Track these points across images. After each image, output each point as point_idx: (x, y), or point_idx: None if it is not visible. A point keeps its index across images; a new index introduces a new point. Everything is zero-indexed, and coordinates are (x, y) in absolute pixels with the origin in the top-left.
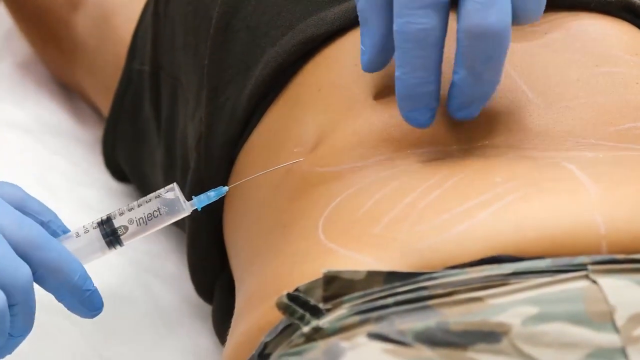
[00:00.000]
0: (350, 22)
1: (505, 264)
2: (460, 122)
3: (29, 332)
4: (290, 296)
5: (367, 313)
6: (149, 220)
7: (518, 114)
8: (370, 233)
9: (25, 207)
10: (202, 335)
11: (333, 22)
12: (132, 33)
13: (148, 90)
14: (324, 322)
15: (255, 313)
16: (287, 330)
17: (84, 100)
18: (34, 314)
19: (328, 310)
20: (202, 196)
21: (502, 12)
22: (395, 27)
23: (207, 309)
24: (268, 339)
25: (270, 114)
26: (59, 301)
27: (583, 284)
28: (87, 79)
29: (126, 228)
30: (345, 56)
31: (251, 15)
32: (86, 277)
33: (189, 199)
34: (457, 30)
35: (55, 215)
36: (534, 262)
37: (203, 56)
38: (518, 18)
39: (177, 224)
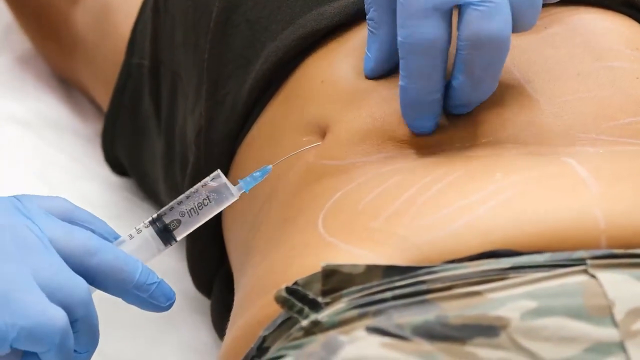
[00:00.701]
0: (350, 17)
1: (504, 259)
2: (462, 119)
3: (96, 346)
4: (289, 290)
5: (366, 307)
6: (199, 209)
7: (519, 109)
8: (369, 227)
9: (74, 217)
10: (201, 329)
11: (333, 17)
12: (131, 28)
13: (147, 85)
14: (323, 315)
15: (254, 307)
16: (285, 324)
17: (83, 95)
18: (97, 326)
19: (327, 304)
20: (247, 178)
21: (503, 21)
22: (399, 38)
23: (207, 303)
24: (267, 333)
25: (271, 108)
26: (129, 303)
27: (582, 278)
28: (87, 74)
29: (179, 222)
30: (346, 50)
31: (251, 10)
32: (148, 272)
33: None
34: (458, 38)
35: (105, 223)
36: (532, 257)
37: (203, 51)
38: (515, 27)
39: None
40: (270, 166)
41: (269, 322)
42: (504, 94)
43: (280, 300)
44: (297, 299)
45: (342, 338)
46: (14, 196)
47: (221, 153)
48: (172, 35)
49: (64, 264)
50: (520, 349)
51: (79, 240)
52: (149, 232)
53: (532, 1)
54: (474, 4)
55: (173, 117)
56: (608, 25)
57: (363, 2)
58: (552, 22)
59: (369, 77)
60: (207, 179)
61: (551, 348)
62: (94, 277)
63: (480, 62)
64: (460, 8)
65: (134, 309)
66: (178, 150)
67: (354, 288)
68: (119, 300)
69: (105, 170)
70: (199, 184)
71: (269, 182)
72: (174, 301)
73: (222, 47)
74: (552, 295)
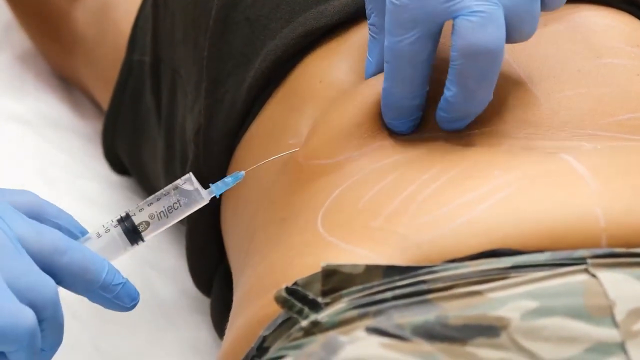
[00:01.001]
0: (349, 16)
1: (504, 258)
2: None
3: (59, 344)
4: (289, 290)
5: (366, 307)
6: (169, 213)
7: (516, 102)
8: (369, 226)
9: (42, 212)
10: (201, 328)
11: (333, 16)
12: (131, 25)
13: (149, 81)
14: (323, 316)
15: (254, 306)
16: (285, 324)
17: (83, 94)
18: (63, 325)
19: (327, 304)
20: (219, 183)
21: (496, 31)
22: (386, 43)
23: (206, 302)
24: (266, 333)
25: (270, 106)
26: (94, 302)
27: (582, 277)
28: (87, 72)
29: (147, 224)
30: (346, 50)
31: (251, 8)
32: (114, 272)
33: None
34: (451, 49)
35: (72, 217)
36: (533, 256)
37: (202, 48)
38: (512, 38)
39: None
40: (243, 172)
41: (269, 321)
42: (503, 87)
43: (280, 300)
44: (297, 299)
45: (342, 338)
46: None
47: (220, 151)
48: (172, 32)
49: (33, 263)
50: (520, 349)
51: (49, 239)
52: (117, 231)
53: (530, 10)
54: (465, 15)
55: (173, 115)
56: (608, 22)
57: (363, 1)
58: (552, 19)
59: None
60: (179, 181)
61: (551, 348)
62: (62, 277)
63: (473, 74)
64: (453, 19)
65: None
66: (178, 147)
67: (354, 288)
68: None
69: (105, 169)
70: (169, 186)
71: (265, 183)
72: (137, 302)
73: (221, 44)
74: (552, 295)
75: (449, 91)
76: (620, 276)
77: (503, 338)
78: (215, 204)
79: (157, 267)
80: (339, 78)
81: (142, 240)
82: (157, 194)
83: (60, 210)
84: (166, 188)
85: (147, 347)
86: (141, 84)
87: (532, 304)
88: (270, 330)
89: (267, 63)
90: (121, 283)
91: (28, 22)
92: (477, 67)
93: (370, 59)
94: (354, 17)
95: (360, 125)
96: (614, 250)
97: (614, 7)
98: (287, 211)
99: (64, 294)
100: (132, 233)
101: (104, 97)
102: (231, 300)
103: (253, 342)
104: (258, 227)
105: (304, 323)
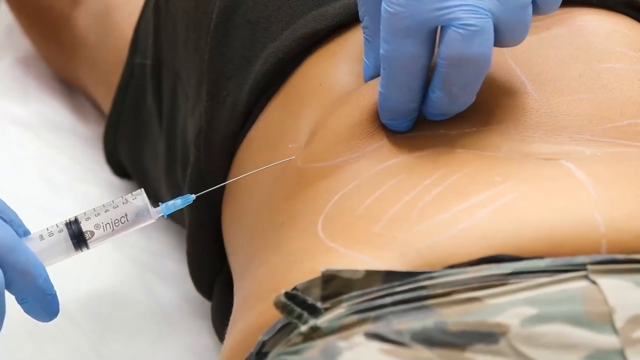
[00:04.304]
0: (350, 18)
1: (504, 264)
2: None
3: None
4: (288, 295)
5: (365, 312)
6: (115, 226)
7: (514, 105)
8: (370, 232)
9: None
10: (201, 333)
11: (333, 18)
12: (133, 28)
13: (150, 84)
14: (322, 321)
15: (253, 311)
16: (285, 329)
17: (85, 97)
18: (2, 320)
19: (326, 310)
20: (169, 203)
21: (484, 43)
22: (381, 51)
23: (207, 307)
24: (266, 338)
25: (271, 109)
26: (21, 304)
27: (582, 284)
28: (88, 75)
29: (92, 233)
30: (346, 51)
31: (252, 10)
32: (49, 281)
33: (189, 192)
34: (438, 56)
35: (16, 215)
36: (533, 262)
37: (204, 51)
38: (503, 43)
39: (177, 220)
40: (194, 196)
41: (268, 327)
42: (502, 90)
43: (280, 306)
44: (297, 304)
45: (341, 344)
46: None
47: (221, 153)
48: (174, 35)
49: None
50: (520, 355)
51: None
52: (63, 236)
53: (520, 17)
54: (455, 26)
55: (174, 118)
56: (610, 26)
57: None
58: (554, 23)
59: None
60: (129, 196)
61: (551, 355)
62: (4, 274)
63: (458, 81)
64: (442, 27)
65: (135, 312)
66: (179, 150)
67: (353, 293)
68: (119, 302)
69: (106, 172)
70: (120, 199)
71: (265, 187)
72: (55, 317)
73: (222, 47)
74: (552, 301)
75: (434, 94)
76: (620, 282)
77: (502, 344)
78: (217, 209)
79: (157, 272)
80: (339, 80)
81: (87, 247)
82: (107, 203)
83: (6, 206)
84: (117, 200)
85: (147, 352)
86: (143, 88)
87: (531, 311)
88: (270, 335)
89: (268, 65)
90: (52, 294)
91: (30, 26)
92: (462, 76)
93: (367, 62)
94: (355, 18)
95: (358, 126)
96: (614, 257)
97: (616, 12)
98: (287, 216)
99: (62, 301)
100: (78, 238)
101: (106, 101)
102: (232, 305)
103: (252, 347)
104: (258, 231)
105: (303, 328)
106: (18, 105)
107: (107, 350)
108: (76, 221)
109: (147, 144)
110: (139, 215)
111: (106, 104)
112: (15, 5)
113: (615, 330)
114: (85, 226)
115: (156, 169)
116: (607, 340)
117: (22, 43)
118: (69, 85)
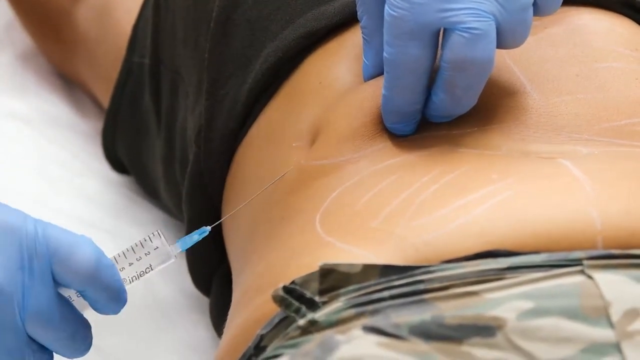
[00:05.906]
0: (350, 17)
1: (501, 259)
2: None
3: None
4: (286, 289)
5: (363, 306)
6: (141, 276)
7: (515, 104)
8: (368, 227)
9: None
10: (199, 327)
11: (333, 17)
12: (132, 25)
13: (148, 83)
14: (320, 315)
15: (252, 305)
16: (283, 323)
17: (84, 92)
18: None
19: (324, 303)
20: (186, 238)
21: (487, 47)
22: (385, 54)
23: (205, 301)
24: (264, 332)
25: (270, 108)
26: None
27: (578, 279)
28: (88, 71)
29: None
30: (346, 50)
31: (251, 9)
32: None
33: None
34: (441, 59)
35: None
36: (529, 257)
37: (203, 50)
38: (505, 45)
39: (175, 215)
40: (209, 227)
41: (266, 320)
42: (501, 89)
43: (278, 299)
44: (294, 298)
45: (339, 337)
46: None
47: (221, 152)
48: (173, 33)
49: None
50: (516, 349)
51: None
52: None
53: (522, 19)
54: (459, 30)
55: (173, 116)
56: (608, 26)
57: None
58: (552, 22)
59: None
60: (151, 246)
61: (547, 348)
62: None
63: (461, 84)
64: (445, 30)
65: (133, 307)
66: (178, 149)
67: (351, 287)
68: None
69: (105, 168)
70: (141, 251)
71: (266, 183)
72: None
73: (222, 46)
74: (548, 295)
75: (436, 96)
76: (616, 277)
77: (499, 338)
78: (216, 204)
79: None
80: (339, 79)
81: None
82: (129, 255)
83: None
84: (138, 251)
85: (146, 346)
86: (140, 87)
87: (528, 305)
88: (268, 329)
89: (268, 64)
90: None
91: (29, 21)
92: (465, 78)
93: (366, 61)
94: (354, 18)
95: (360, 127)
96: (610, 252)
97: (614, 11)
98: (287, 211)
99: None
100: None
101: (105, 96)
102: (230, 300)
103: (250, 341)
104: (258, 227)
105: (301, 322)
106: (17, 100)
107: (104, 344)
108: None
109: (145, 142)
110: (161, 259)
111: (105, 100)
112: (15, 0)
113: (611, 324)
114: None
115: (154, 166)
116: (603, 333)
117: (22, 38)
118: (68, 80)
